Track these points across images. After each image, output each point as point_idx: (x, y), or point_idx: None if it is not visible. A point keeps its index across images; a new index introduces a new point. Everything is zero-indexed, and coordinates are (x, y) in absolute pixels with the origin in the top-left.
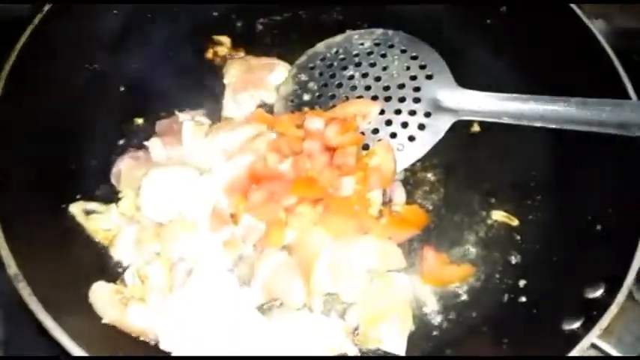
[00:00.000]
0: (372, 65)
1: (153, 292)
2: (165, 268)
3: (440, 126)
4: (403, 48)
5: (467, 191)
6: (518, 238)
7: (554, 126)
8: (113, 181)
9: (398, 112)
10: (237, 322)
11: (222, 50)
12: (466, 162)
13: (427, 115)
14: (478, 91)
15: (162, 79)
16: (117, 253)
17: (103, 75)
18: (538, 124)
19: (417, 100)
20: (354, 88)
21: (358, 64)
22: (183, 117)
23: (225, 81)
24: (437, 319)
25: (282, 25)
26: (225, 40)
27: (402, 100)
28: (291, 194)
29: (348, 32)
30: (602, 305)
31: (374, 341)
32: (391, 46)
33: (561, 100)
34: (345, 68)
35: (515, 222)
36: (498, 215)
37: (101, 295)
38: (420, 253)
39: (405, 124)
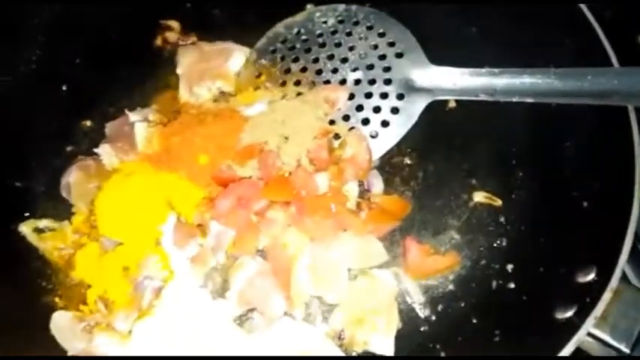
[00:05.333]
0: (338, 45)
1: (119, 316)
2: (131, 288)
3: (414, 108)
4: (369, 24)
5: (446, 173)
6: (502, 219)
7: (533, 100)
8: (64, 194)
9: (369, 95)
10: (213, 339)
11: (172, 36)
12: (443, 142)
13: (400, 97)
14: (452, 67)
15: (107, 73)
16: (76, 275)
17: (41, 75)
18: (517, 99)
19: (388, 82)
20: (319, 72)
21: (322, 45)
22: (134, 117)
23: (179, 71)
24: (424, 313)
25: (237, 3)
26: (175, 24)
27: (372, 82)
28: (262, 198)
29: (309, 8)
30: (595, 290)
31: (360, 344)
32: (356, 23)
33: (539, 71)
34: (308, 50)
35: (498, 202)
36: (480, 196)
37: (63, 325)
38: (403, 243)
39: (377, 109)
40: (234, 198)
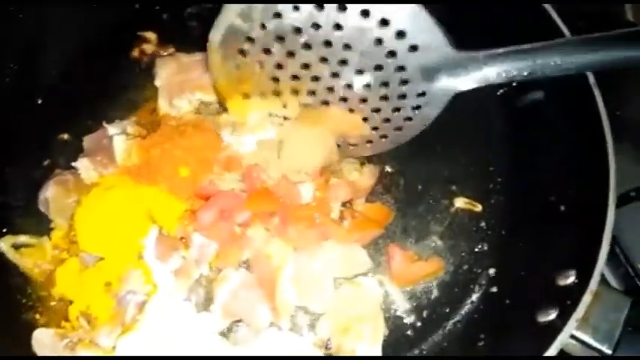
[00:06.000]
0: (328, 44)
1: (102, 332)
2: (113, 303)
3: (438, 101)
4: (364, 8)
5: (427, 180)
6: (483, 224)
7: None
8: (42, 209)
9: (384, 98)
10: (199, 352)
11: (149, 48)
12: (423, 149)
13: (422, 94)
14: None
15: (84, 86)
16: (57, 291)
17: (16, 87)
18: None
19: (404, 82)
20: (316, 78)
21: (307, 47)
22: (112, 130)
23: (157, 83)
24: (410, 319)
25: (215, 13)
26: (152, 35)
27: (384, 98)
28: (246, 209)
29: None
30: (576, 293)
31: (347, 352)
32: (343, 8)
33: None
34: (291, 54)
35: (478, 207)
36: (461, 202)
37: (45, 343)
38: (386, 251)
39: (396, 109)
40: (217, 210)
